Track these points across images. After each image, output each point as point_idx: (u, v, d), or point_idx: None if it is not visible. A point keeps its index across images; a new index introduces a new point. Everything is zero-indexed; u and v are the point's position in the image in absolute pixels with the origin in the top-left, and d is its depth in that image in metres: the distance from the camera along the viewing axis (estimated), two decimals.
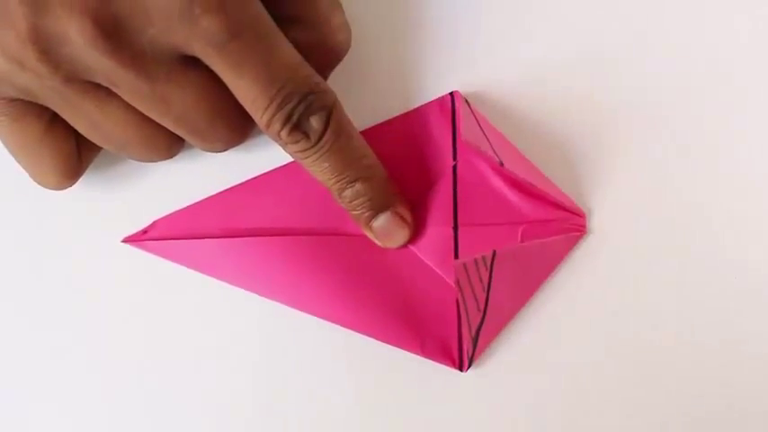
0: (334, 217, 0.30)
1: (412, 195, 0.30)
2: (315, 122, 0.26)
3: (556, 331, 0.31)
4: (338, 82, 0.29)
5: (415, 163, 0.31)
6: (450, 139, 0.31)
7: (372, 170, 0.28)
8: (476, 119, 0.31)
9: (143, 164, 0.31)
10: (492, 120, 0.31)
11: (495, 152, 0.30)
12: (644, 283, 0.31)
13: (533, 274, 0.30)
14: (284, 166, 0.31)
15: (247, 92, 0.26)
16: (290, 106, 0.26)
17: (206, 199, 0.31)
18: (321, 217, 0.31)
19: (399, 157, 0.31)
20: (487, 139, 0.30)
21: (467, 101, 0.31)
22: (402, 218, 0.29)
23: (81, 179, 0.29)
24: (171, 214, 0.31)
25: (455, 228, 0.30)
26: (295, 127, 0.26)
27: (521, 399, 0.31)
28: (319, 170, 0.28)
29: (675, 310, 0.31)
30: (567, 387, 0.31)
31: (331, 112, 0.27)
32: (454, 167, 0.30)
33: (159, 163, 0.30)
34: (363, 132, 0.30)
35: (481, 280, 0.28)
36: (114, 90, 0.26)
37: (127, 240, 0.31)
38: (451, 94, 0.31)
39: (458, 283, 0.28)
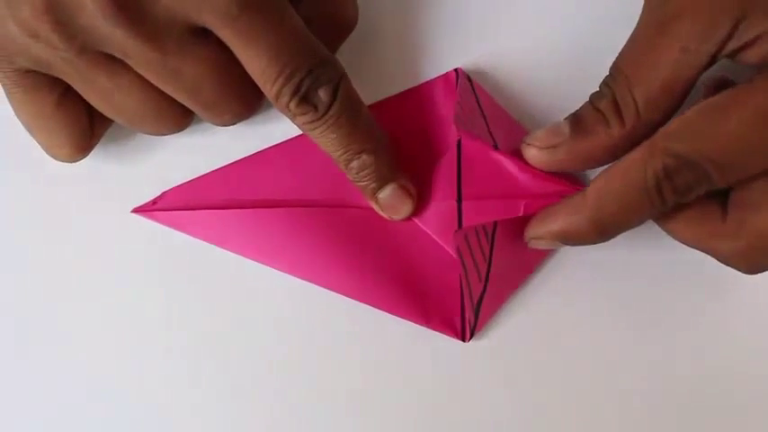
0: (340, 189, 0.31)
1: (417, 169, 0.31)
2: (323, 94, 0.27)
3: (558, 303, 0.31)
4: (346, 56, 0.29)
5: (420, 137, 0.31)
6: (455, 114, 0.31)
7: (379, 142, 0.29)
8: (476, 97, 0.31)
9: (153, 137, 0.31)
10: (497, 96, 0.32)
11: (490, 133, 0.30)
12: (647, 254, 0.31)
13: None
14: (292, 139, 0.31)
15: (257, 64, 0.26)
16: (298, 78, 0.26)
17: (214, 171, 0.31)
18: (328, 189, 0.31)
19: (405, 131, 0.31)
20: (485, 119, 0.30)
21: (470, 78, 0.31)
22: (407, 190, 0.30)
23: (92, 152, 0.30)
24: (180, 185, 0.31)
25: (459, 201, 0.30)
26: (303, 99, 0.27)
27: (522, 369, 0.31)
28: (326, 141, 0.28)
29: (676, 277, 0.31)
30: (569, 359, 0.31)
31: (339, 84, 0.27)
32: (459, 142, 0.31)
33: (169, 136, 0.30)
34: (370, 107, 0.30)
35: (482, 250, 0.29)
36: (127, 61, 0.26)
37: (136, 211, 0.31)
38: (456, 70, 0.31)
39: (458, 251, 0.28)
